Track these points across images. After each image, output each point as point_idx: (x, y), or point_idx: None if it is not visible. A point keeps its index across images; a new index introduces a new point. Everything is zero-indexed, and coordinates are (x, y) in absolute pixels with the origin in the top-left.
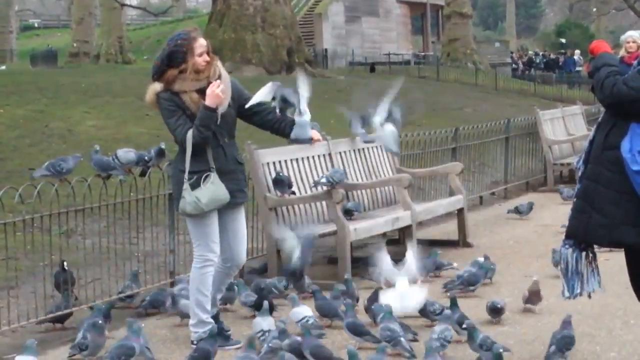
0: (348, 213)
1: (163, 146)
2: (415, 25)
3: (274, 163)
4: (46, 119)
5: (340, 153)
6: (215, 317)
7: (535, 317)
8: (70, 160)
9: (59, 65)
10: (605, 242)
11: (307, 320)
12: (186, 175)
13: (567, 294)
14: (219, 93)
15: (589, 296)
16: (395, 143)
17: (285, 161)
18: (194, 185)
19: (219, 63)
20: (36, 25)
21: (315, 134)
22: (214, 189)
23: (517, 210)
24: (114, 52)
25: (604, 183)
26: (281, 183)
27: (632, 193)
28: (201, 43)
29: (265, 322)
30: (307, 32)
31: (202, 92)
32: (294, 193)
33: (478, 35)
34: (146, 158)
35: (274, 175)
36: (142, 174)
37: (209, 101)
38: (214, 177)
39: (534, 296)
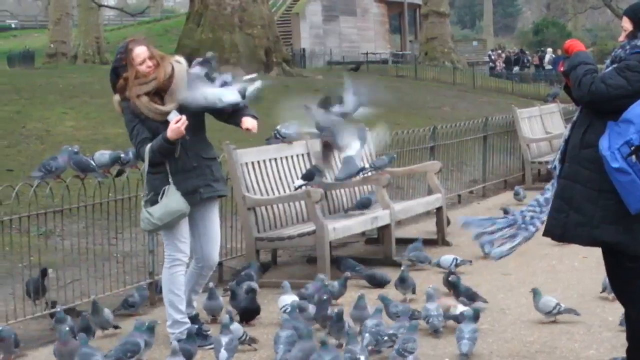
0: (365, 205)
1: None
2: (393, 25)
3: (252, 163)
4: (23, 120)
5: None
6: (194, 318)
7: (512, 315)
8: (59, 158)
9: (36, 66)
10: (585, 241)
11: (286, 309)
12: (144, 193)
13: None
14: (181, 129)
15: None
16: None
17: (264, 161)
18: (153, 201)
19: (179, 61)
20: (13, 26)
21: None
22: (167, 202)
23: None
24: (91, 52)
25: (582, 182)
26: (318, 174)
27: (610, 191)
28: (137, 53)
29: (290, 298)
30: (285, 31)
31: (156, 94)
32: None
33: (456, 34)
34: (122, 158)
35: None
36: (118, 174)
37: (169, 134)
38: (169, 189)
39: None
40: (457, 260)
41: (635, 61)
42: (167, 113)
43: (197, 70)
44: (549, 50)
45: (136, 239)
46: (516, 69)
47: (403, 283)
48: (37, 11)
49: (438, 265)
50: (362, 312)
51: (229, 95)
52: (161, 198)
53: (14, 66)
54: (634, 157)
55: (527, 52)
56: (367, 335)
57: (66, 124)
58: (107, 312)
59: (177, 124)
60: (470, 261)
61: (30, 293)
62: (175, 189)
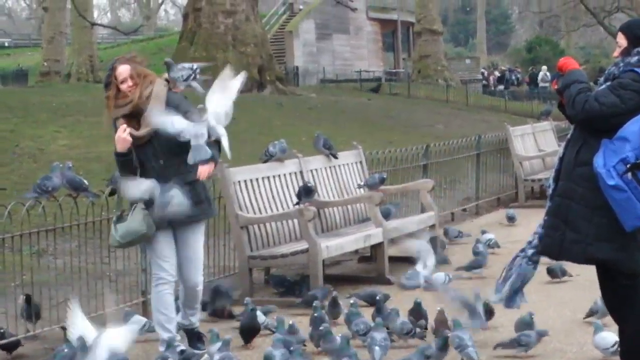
0: (385, 215)
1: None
2: (386, 42)
3: (245, 181)
4: (16, 139)
5: (311, 171)
6: (191, 331)
7: (506, 333)
8: (53, 176)
9: (30, 85)
10: (580, 259)
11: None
12: (115, 209)
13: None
14: (124, 137)
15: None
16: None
17: (257, 179)
18: (120, 219)
19: (158, 82)
20: (6, 44)
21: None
22: (129, 221)
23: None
24: (84, 71)
25: (576, 199)
26: (311, 193)
27: (605, 209)
28: (119, 72)
29: None
30: (278, 49)
31: (132, 116)
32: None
33: (449, 52)
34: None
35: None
36: (112, 193)
37: (117, 146)
38: (135, 208)
39: (440, 326)
40: (449, 277)
41: (628, 79)
42: (140, 138)
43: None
44: (544, 67)
45: (129, 258)
46: (500, 87)
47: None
48: (31, 30)
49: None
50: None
51: (190, 130)
52: (129, 216)
53: (7, 84)
54: (629, 174)
55: (517, 69)
56: (377, 348)
57: (59, 143)
58: None
59: (119, 134)
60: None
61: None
62: (141, 209)
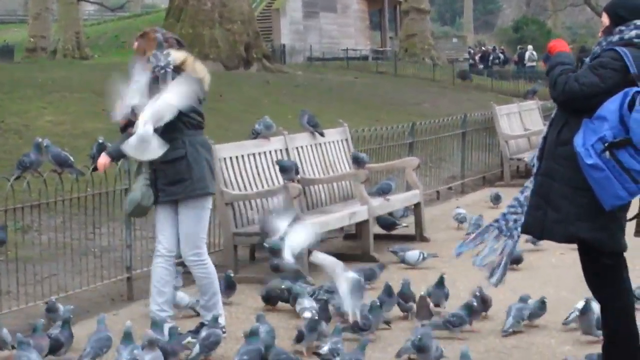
0: (385, 191)
1: (101, 140)
2: (373, 21)
3: (230, 158)
4: (2, 114)
5: (297, 148)
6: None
7: (490, 311)
8: (32, 153)
9: (16, 61)
10: (561, 238)
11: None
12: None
13: (495, 281)
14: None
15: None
16: None
17: (243, 156)
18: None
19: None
20: None
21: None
22: (132, 191)
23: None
24: (71, 47)
25: (558, 179)
26: (288, 169)
27: (586, 189)
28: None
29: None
30: (265, 27)
31: None
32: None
33: (436, 31)
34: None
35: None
36: (95, 169)
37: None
38: (138, 178)
39: (422, 310)
40: (423, 254)
41: (608, 57)
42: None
43: None
44: (529, 47)
45: (114, 234)
46: (481, 66)
47: None
48: (17, 6)
49: (403, 261)
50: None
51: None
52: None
53: None
54: (607, 153)
55: (502, 48)
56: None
57: (45, 119)
58: (5, 332)
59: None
60: (436, 254)
61: None
62: (144, 179)
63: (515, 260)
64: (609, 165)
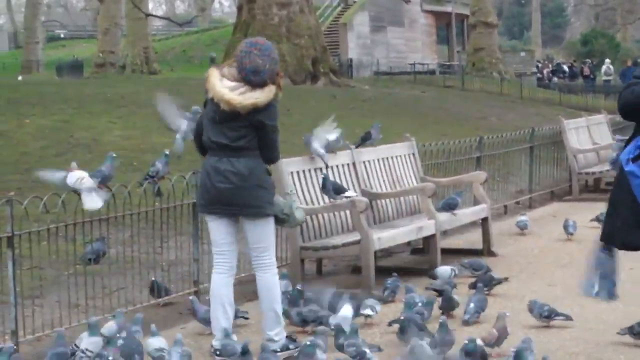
0: (451, 206)
1: (167, 152)
2: (440, 35)
3: (297, 172)
4: (71, 129)
5: (364, 162)
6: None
7: (558, 326)
8: (104, 168)
9: (85, 76)
10: (621, 245)
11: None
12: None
13: (595, 294)
14: None
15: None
16: None
17: (310, 170)
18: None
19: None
20: (62, 35)
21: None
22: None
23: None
24: (139, 62)
25: (623, 187)
26: (326, 190)
27: None
28: None
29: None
30: (332, 41)
31: None
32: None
33: (503, 45)
34: (150, 171)
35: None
36: (158, 194)
37: None
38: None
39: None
40: (455, 271)
41: None
42: None
43: None
44: (607, 60)
45: (181, 248)
46: (554, 80)
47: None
48: (86, 21)
49: (433, 276)
50: None
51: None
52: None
53: (62, 76)
54: None
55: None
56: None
57: (114, 133)
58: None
59: None
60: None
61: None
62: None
63: None
64: None
